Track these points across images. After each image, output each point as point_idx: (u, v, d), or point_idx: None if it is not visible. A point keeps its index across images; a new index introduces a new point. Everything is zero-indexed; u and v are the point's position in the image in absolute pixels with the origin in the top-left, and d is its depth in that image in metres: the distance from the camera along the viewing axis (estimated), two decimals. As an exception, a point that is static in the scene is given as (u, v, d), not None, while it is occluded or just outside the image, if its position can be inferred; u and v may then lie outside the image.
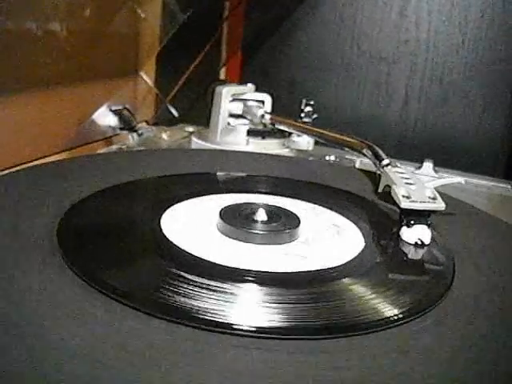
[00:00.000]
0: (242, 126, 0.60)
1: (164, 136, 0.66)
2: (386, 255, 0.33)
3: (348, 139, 0.49)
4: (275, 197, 0.41)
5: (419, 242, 0.34)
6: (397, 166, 0.41)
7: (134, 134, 0.64)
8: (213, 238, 0.33)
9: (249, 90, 0.61)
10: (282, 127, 0.57)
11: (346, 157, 0.63)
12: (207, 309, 0.24)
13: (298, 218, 0.35)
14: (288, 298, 0.26)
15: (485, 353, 0.24)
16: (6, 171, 0.44)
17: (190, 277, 0.27)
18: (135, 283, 0.27)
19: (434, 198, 0.35)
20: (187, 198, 0.39)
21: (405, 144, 0.77)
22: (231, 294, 0.26)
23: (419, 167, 0.58)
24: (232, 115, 0.60)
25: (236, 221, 0.34)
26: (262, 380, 0.21)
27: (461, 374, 0.22)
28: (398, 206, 0.35)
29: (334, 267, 0.30)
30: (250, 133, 0.60)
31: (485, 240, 0.37)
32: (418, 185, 0.37)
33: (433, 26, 0.74)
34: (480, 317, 0.27)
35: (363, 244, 0.34)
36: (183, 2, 0.67)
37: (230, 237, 0.33)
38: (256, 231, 0.33)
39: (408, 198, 0.35)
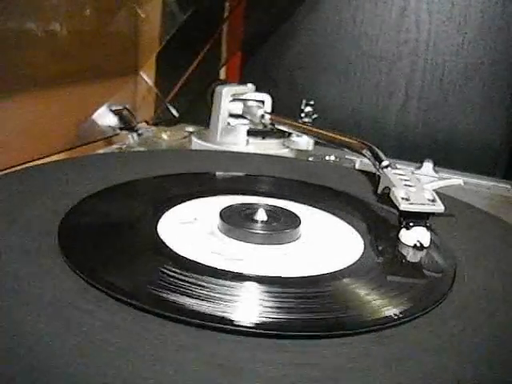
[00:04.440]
0: (242, 126, 0.60)
1: (164, 136, 0.66)
2: (385, 257, 0.33)
3: (348, 140, 0.49)
4: (274, 199, 0.41)
5: (418, 244, 0.34)
6: (396, 168, 0.41)
7: (134, 134, 0.64)
8: (212, 239, 0.33)
9: (249, 90, 0.61)
10: (281, 127, 0.57)
11: (346, 157, 0.63)
12: (203, 306, 0.25)
13: (299, 219, 0.35)
14: (288, 298, 0.26)
15: (485, 353, 0.24)
16: (7, 171, 0.44)
17: (189, 276, 0.27)
18: (135, 282, 0.27)
19: (434, 200, 0.35)
20: (186, 199, 0.39)
21: (405, 144, 0.77)
22: (230, 292, 0.26)
23: (419, 167, 0.58)
24: (232, 115, 0.60)
25: (236, 221, 0.34)
26: (260, 377, 0.21)
27: (461, 375, 0.22)
28: (397, 208, 0.35)
29: (334, 269, 0.30)
30: (250, 133, 0.60)
31: (485, 240, 0.37)
32: (418, 187, 0.37)
33: (433, 26, 0.74)
34: (481, 318, 0.27)
35: (362, 246, 0.34)
36: (183, 1, 0.67)
37: (230, 236, 0.33)
38: (256, 231, 0.33)
39: (407, 200, 0.35)
